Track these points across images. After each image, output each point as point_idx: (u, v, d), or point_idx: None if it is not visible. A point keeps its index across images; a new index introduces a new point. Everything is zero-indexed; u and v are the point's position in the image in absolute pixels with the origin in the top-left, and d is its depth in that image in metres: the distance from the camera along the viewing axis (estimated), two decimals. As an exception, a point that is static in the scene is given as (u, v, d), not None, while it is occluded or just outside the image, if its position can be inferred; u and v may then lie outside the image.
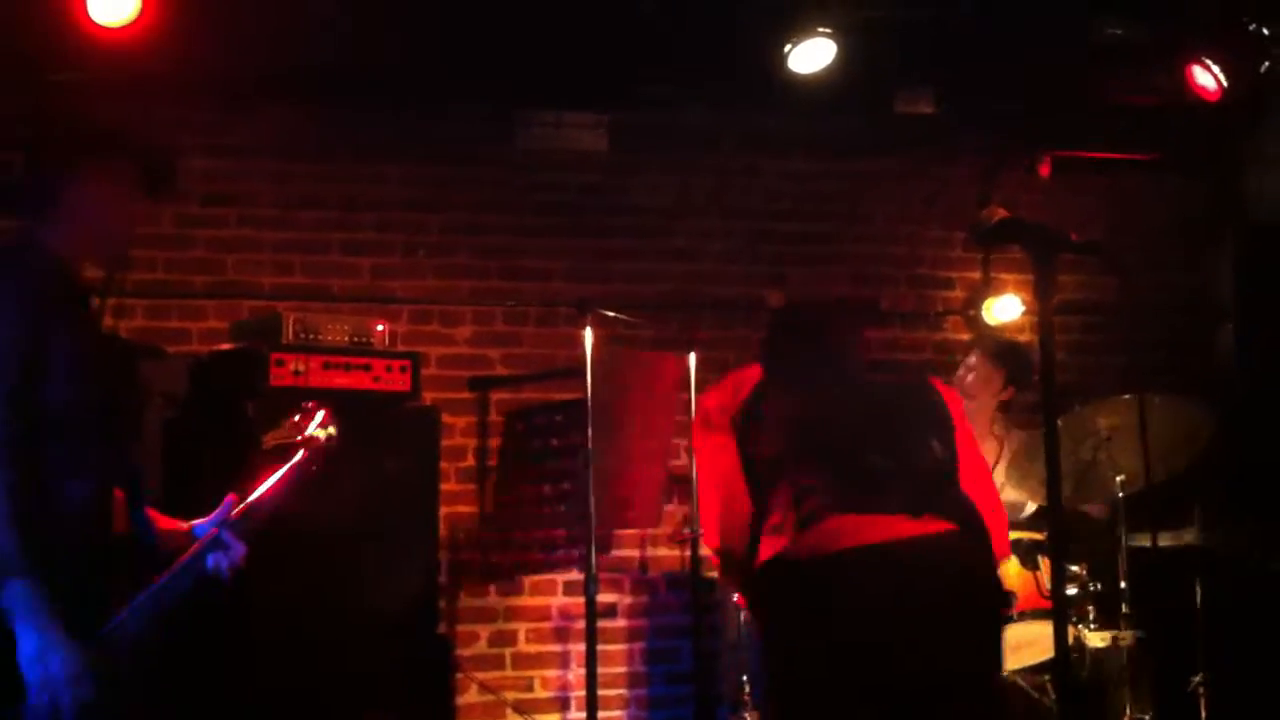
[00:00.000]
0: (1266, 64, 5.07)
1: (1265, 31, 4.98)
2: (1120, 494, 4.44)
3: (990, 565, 3.41)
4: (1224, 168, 6.23)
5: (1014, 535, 4.33)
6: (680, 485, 5.61)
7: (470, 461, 5.68)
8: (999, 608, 3.55)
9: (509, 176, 5.84)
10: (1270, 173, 6.01)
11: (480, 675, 5.54)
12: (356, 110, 5.57)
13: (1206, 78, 5.23)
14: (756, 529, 3.40)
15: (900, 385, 3.59)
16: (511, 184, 5.84)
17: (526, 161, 5.83)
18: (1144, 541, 4.44)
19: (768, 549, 3.35)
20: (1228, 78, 5.16)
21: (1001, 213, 2.87)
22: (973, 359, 5.18)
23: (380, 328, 4.89)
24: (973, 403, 4.86)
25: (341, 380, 4.65)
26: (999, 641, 3.45)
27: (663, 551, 5.80)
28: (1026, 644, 4.43)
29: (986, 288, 6.01)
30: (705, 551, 5.06)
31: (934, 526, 3.27)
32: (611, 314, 5.17)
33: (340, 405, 3.44)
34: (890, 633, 3.20)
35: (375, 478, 4.65)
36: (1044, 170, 5.93)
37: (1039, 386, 2.75)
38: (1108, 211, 6.09)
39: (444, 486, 5.19)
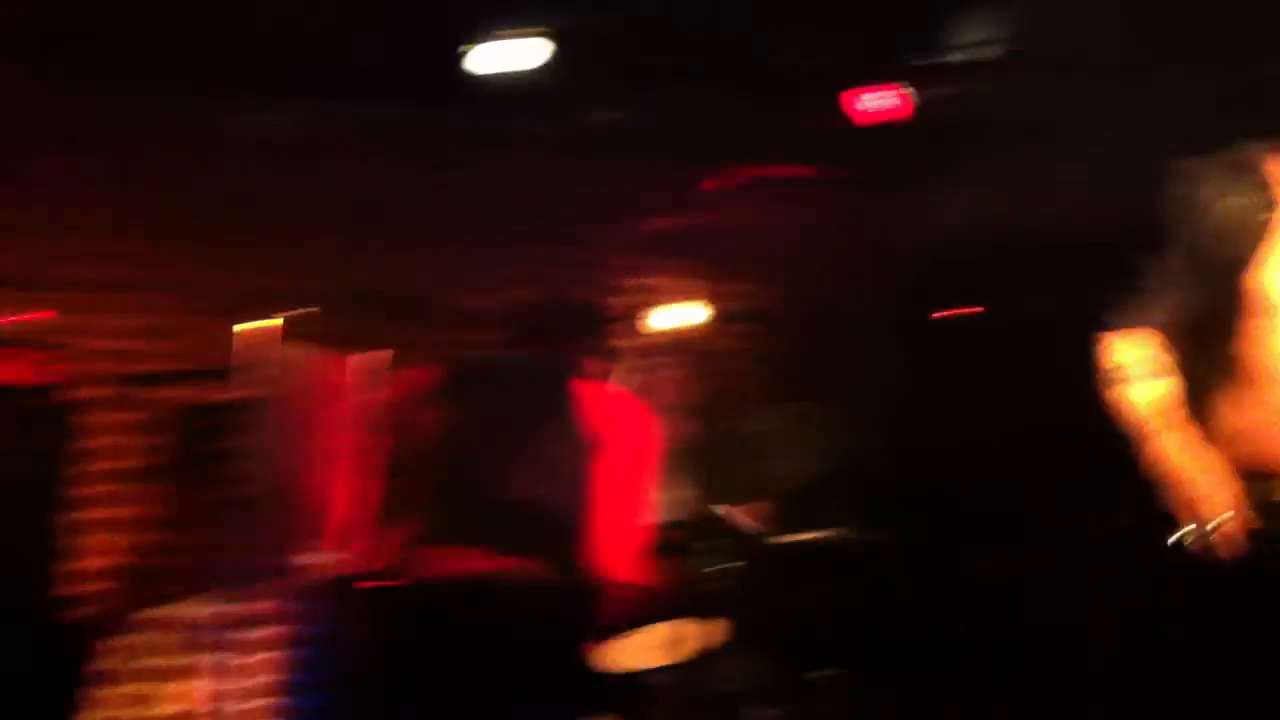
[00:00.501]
0: (940, 90, 5.30)
1: (944, 60, 5.19)
2: (767, 496, 4.50)
3: (566, 602, 3.41)
4: (892, 188, 6.44)
5: (661, 535, 4.39)
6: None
7: (128, 462, 5.37)
8: (570, 650, 3.53)
9: (197, 162, 5.53)
10: (934, 198, 6.23)
11: (125, 687, 5.30)
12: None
13: (881, 101, 5.43)
14: (372, 539, 3.45)
15: (547, 401, 3.56)
16: (199, 170, 5.54)
17: (217, 148, 5.53)
18: (784, 539, 4.53)
19: (373, 564, 3.37)
20: (901, 101, 5.37)
21: (668, 223, 2.93)
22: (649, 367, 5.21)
23: (33, 316, 4.65)
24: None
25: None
26: (571, 683, 3.47)
27: (325, 559, 5.62)
28: (660, 644, 4.47)
29: (661, 294, 6.07)
30: (369, 561, 4.95)
31: (518, 562, 3.30)
32: (295, 310, 5.02)
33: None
34: (465, 665, 3.30)
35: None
36: (726, 183, 6.04)
37: (702, 391, 2.82)
38: (794, 226, 6.13)
39: (99, 489, 4.99)
